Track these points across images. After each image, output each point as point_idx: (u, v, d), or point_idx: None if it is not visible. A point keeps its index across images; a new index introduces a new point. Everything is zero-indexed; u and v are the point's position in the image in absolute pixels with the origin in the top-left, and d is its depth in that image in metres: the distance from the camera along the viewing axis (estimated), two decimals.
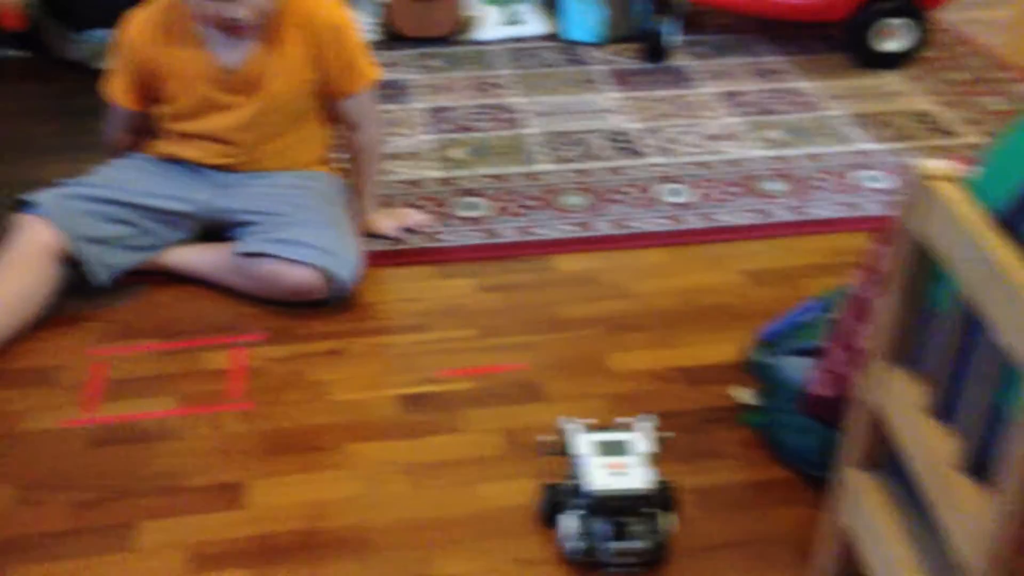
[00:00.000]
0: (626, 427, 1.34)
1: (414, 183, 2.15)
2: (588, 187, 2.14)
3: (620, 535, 1.24)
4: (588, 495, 1.24)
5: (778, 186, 2.15)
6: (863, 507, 1.05)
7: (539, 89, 2.58)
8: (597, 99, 2.53)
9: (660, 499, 1.28)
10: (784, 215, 2.05)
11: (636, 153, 2.28)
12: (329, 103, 1.85)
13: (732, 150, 2.29)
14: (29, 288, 1.65)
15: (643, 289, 1.83)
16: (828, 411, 1.24)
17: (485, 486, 1.40)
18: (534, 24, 2.90)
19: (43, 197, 1.71)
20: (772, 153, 2.28)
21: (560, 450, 1.32)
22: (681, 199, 2.10)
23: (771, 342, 1.50)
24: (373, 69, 1.83)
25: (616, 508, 1.25)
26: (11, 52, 2.69)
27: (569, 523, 1.27)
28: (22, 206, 1.71)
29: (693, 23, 2.90)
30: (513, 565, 1.28)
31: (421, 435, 1.49)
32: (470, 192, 2.11)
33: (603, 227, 2.00)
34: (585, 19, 2.81)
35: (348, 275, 1.70)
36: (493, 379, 1.60)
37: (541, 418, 1.50)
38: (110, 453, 1.44)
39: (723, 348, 1.65)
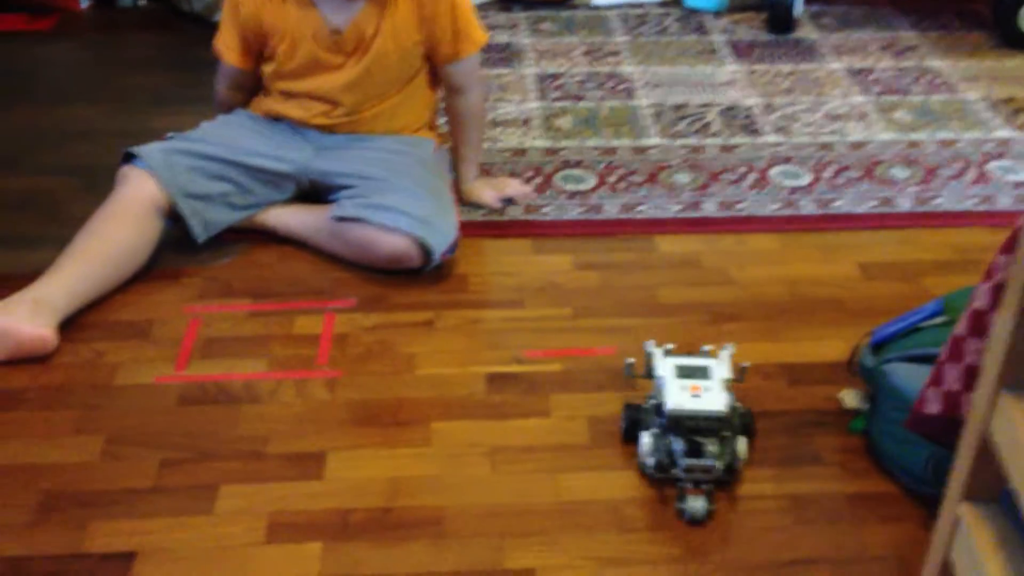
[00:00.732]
0: (710, 354, 1.40)
1: (518, 152, 2.09)
2: (698, 164, 2.05)
3: (694, 453, 1.30)
4: (665, 414, 1.31)
5: (904, 173, 2.02)
6: (970, 542, 0.96)
7: (654, 58, 2.49)
8: (715, 71, 2.42)
9: (736, 424, 1.34)
10: (908, 205, 1.92)
11: (752, 131, 2.17)
12: (435, 66, 1.80)
13: (856, 132, 2.16)
14: (131, 241, 1.67)
15: (748, 277, 1.74)
16: (937, 430, 1.15)
17: (566, 476, 1.35)
18: None
19: (149, 150, 1.72)
20: (899, 137, 2.15)
21: (645, 373, 1.39)
22: (797, 182, 1.99)
23: (883, 344, 1.41)
24: (481, 34, 1.78)
25: (691, 428, 1.31)
26: (140, 1, 2.74)
27: (646, 440, 1.33)
28: (129, 158, 1.73)
29: None
30: (590, 563, 1.23)
31: (505, 417, 1.45)
32: (575, 164, 2.05)
33: (711, 208, 1.91)
34: None
35: (443, 246, 1.67)
36: (583, 362, 1.55)
37: None
38: (197, 412, 1.45)
39: (830, 346, 1.56)
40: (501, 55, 2.49)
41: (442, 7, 1.70)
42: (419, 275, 1.70)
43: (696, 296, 1.69)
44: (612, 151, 2.10)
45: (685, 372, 1.35)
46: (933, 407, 1.15)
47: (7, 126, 2.18)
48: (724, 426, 1.31)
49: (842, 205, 1.92)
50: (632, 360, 1.41)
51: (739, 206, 1.92)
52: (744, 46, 2.55)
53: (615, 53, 2.52)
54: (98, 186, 1.81)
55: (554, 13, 2.73)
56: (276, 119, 1.81)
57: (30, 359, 1.51)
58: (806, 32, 2.61)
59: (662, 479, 1.33)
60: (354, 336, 1.60)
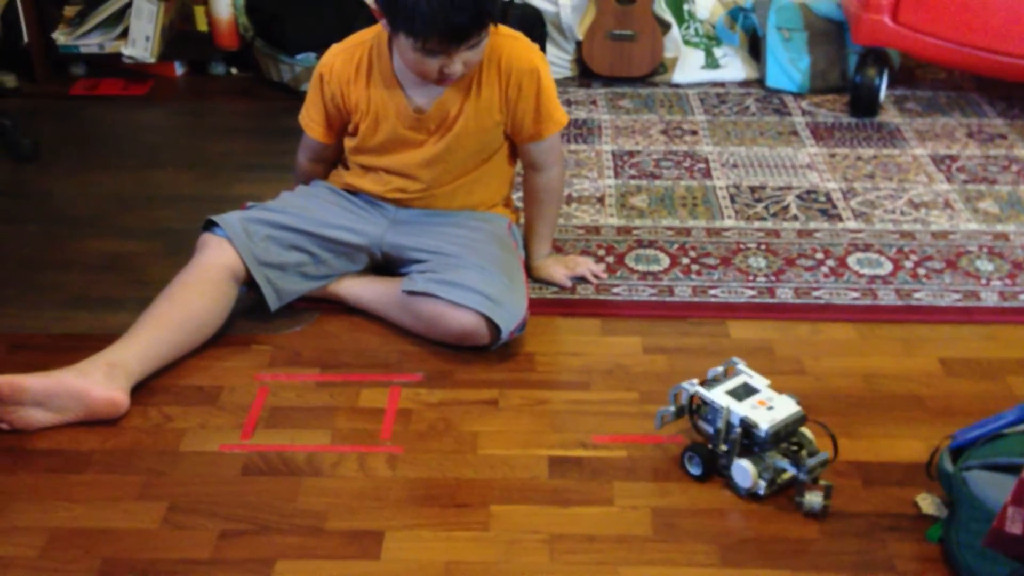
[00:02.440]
0: (727, 373, 1.48)
1: (591, 229, 2.09)
2: (774, 249, 2.01)
3: (797, 458, 1.39)
4: (764, 434, 1.37)
5: (989, 266, 1.96)
6: None
7: (733, 138, 2.48)
8: (794, 153, 2.40)
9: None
10: (993, 299, 1.86)
11: (831, 216, 2.13)
12: (515, 143, 1.82)
13: (939, 221, 2.11)
14: (207, 307, 1.70)
15: (823, 368, 1.69)
16: (1020, 550, 1.09)
17: (627, 570, 1.31)
18: (735, 69, 2.79)
19: (228, 219, 1.76)
20: (985, 228, 2.08)
21: (677, 413, 1.47)
22: (876, 271, 1.94)
23: (963, 449, 1.35)
24: (563, 114, 1.78)
25: (787, 435, 1.41)
26: (230, 69, 2.84)
27: (747, 467, 1.38)
28: (209, 226, 1.77)
29: (904, 76, 2.72)
30: None
31: (567, 503, 1.42)
32: (648, 244, 2.03)
33: (786, 294, 1.88)
34: (790, 67, 2.68)
35: (512, 325, 1.66)
36: (648, 450, 1.52)
37: (696, 501, 1.41)
38: (259, 483, 1.45)
39: (908, 445, 1.50)
40: (579, 131, 2.51)
41: (526, 90, 1.72)
42: (486, 352, 1.69)
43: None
44: (686, 232, 2.08)
45: (739, 394, 1.42)
46: (1015, 527, 1.09)
47: (99, 188, 2.26)
48: (803, 422, 1.43)
49: (924, 297, 1.87)
50: (669, 409, 1.47)
51: (815, 293, 1.88)
52: (825, 128, 2.52)
53: (693, 132, 2.51)
54: (180, 250, 1.86)
55: (633, 90, 2.74)
56: (353, 192, 1.84)
57: (101, 421, 1.54)
58: (889, 116, 2.57)
59: (774, 493, 1.41)
60: (418, 412, 1.59)
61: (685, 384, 1.46)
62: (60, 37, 2.73)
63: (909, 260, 1.97)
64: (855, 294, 1.87)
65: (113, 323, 1.73)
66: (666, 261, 1.98)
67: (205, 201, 2.15)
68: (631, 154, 2.41)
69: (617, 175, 2.31)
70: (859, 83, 2.54)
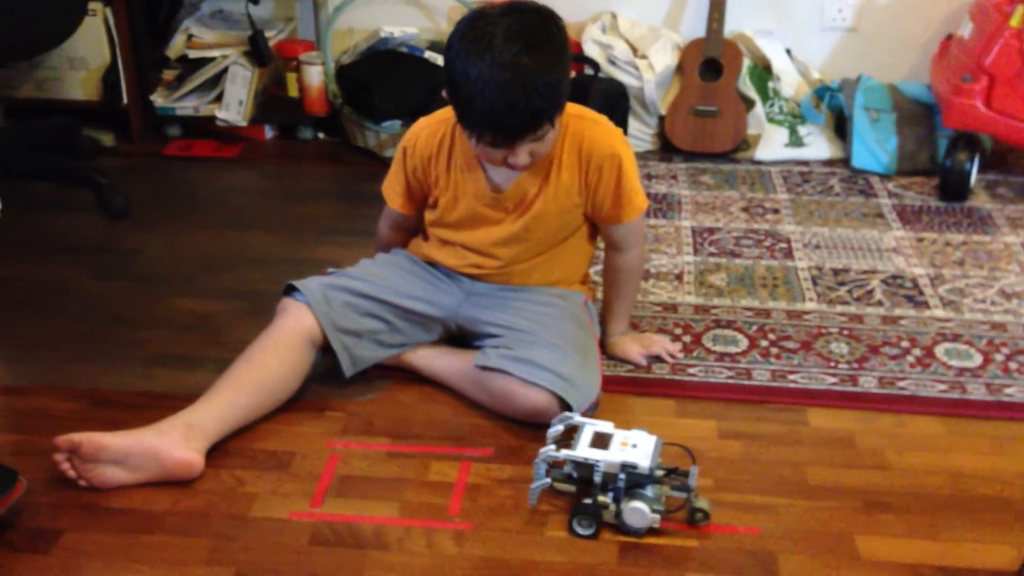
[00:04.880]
0: (570, 430, 1.54)
1: (668, 307, 2.07)
2: (857, 335, 1.96)
3: (679, 481, 1.48)
4: (647, 471, 1.45)
5: None
6: None
7: (816, 218, 2.44)
8: (880, 236, 2.35)
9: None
10: None
11: (918, 303, 2.07)
12: (595, 224, 1.82)
13: None
14: (284, 372, 1.72)
15: (907, 463, 1.63)
16: None
17: None
18: (819, 148, 2.76)
19: (309, 284, 1.78)
20: None
21: (569, 479, 1.51)
22: (965, 363, 1.87)
23: None
24: (643, 199, 1.76)
25: (662, 468, 1.49)
26: (318, 134, 2.91)
27: (641, 507, 1.44)
28: (290, 290, 1.80)
29: (996, 161, 2.66)
30: None
31: None
32: (726, 324, 2.00)
33: (869, 383, 1.82)
34: (877, 148, 2.64)
35: (584, 405, 1.64)
36: (722, 540, 1.47)
37: None
38: (326, 554, 1.45)
39: (997, 552, 1.43)
40: (658, 205, 2.50)
41: (607, 175, 1.71)
42: None
43: (848, 480, 1.60)
44: (766, 313, 2.04)
45: (602, 444, 1.49)
46: None
47: (187, 247, 2.32)
48: (660, 446, 1.52)
49: (1016, 393, 1.79)
50: (545, 481, 1.50)
51: (900, 384, 1.82)
52: (912, 212, 2.46)
53: (775, 210, 2.48)
54: (260, 312, 1.89)
55: (715, 166, 2.73)
56: (432, 263, 1.86)
57: (175, 482, 1.56)
58: (980, 201, 2.51)
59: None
60: (487, 488, 1.58)
61: (547, 452, 1.49)
62: (158, 99, 2.83)
63: (1000, 353, 1.90)
64: (942, 386, 1.81)
65: (191, 383, 1.77)
66: (744, 343, 1.94)
67: (288, 263, 2.19)
68: (711, 231, 2.38)
69: (696, 252, 2.29)
70: (949, 167, 2.49)
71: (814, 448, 1.67)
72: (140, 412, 1.69)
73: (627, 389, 1.81)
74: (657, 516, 1.46)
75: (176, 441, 1.56)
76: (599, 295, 1.93)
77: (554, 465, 1.52)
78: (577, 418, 1.54)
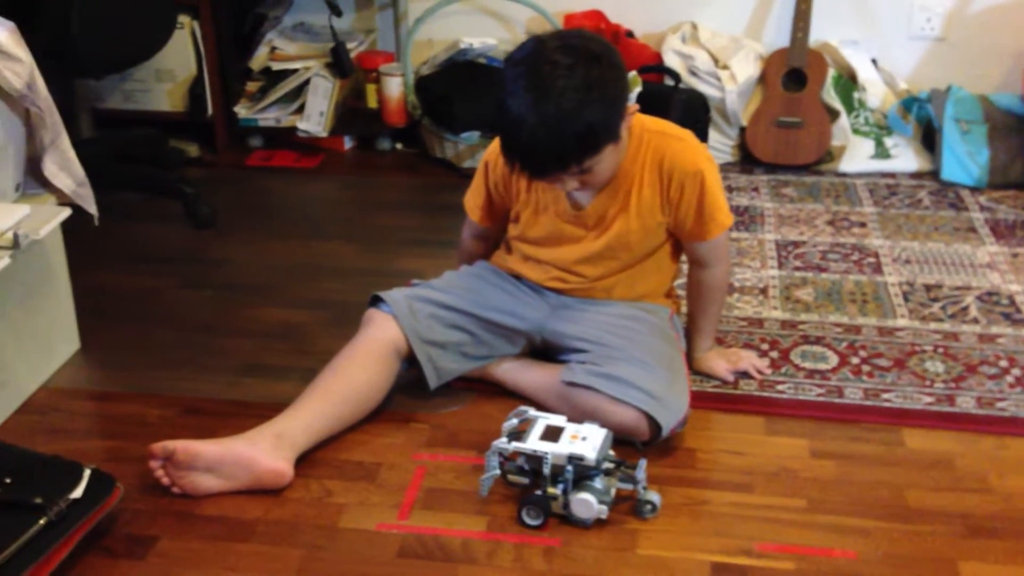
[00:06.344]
0: (521, 427, 1.54)
1: (754, 322, 2.03)
2: (953, 354, 1.90)
3: (627, 473, 1.51)
4: (594, 462, 1.46)
5: None
6: None
7: (905, 232, 2.38)
8: (973, 251, 2.28)
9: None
10: None
11: (1016, 321, 2.01)
12: (679, 240, 1.79)
13: None
14: (371, 382, 1.72)
15: (1011, 487, 1.58)
16: None
17: None
18: (907, 160, 2.70)
19: (395, 296, 1.79)
20: None
21: (521, 471, 1.52)
22: None
23: None
24: (727, 216, 1.73)
25: (606, 457, 1.50)
26: (396, 145, 2.92)
27: (588, 498, 1.46)
28: (375, 301, 1.80)
29: None
30: None
31: None
32: (815, 340, 1.96)
33: (967, 404, 1.76)
34: (967, 160, 2.57)
35: (673, 423, 1.61)
36: (818, 564, 1.44)
37: None
38: (414, 567, 1.44)
39: None
40: (740, 218, 2.46)
41: (689, 192, 1.68)
42: (645, 446, 1.65)
43: (948, 503, 1.55)
44: (856, 329, 1.99)
45: (552, 436, 1.50)
46: None
47: (270, 257, 2.35)
48: (611, 439, 1.54)
49: None
50: (495, 473, 1.52)
51: (1000, 404, 1.76)
52: (1007, 226, 2.39)
53: (862, 224, 2.43)
54: (344, 322, 1.90)
55: (798, 178, 2.68)
56: (516, 276, 1.85)
57: (266, 491, 1.57)
58: None
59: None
60: None
61: (499, 444, 1.51)
62: (241, 110, 2.88)
63: None
64: None
65: (279, 392, 1.78)
66: (834, 360, 1.90)
67: (369, 274, 2.20)
68: (795, 244, 2.34)
69: (781, 266, 2.24)
70: None
71: (912, 469, 1.62)
72: (229, 420, 1.70)
73: (714, 405, 1.78)
74: (604, 507, 1.47)
75: (266, 450, 1.57)
76: (684, 309, 1.90)
77: (509, 458, 1.53)
78: (531, 412, 1.56)
